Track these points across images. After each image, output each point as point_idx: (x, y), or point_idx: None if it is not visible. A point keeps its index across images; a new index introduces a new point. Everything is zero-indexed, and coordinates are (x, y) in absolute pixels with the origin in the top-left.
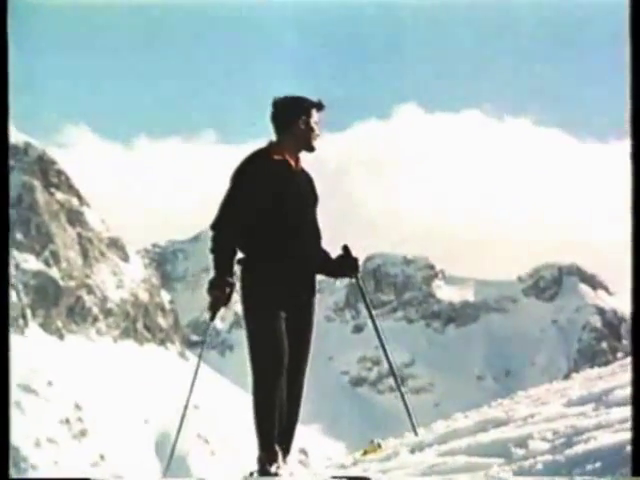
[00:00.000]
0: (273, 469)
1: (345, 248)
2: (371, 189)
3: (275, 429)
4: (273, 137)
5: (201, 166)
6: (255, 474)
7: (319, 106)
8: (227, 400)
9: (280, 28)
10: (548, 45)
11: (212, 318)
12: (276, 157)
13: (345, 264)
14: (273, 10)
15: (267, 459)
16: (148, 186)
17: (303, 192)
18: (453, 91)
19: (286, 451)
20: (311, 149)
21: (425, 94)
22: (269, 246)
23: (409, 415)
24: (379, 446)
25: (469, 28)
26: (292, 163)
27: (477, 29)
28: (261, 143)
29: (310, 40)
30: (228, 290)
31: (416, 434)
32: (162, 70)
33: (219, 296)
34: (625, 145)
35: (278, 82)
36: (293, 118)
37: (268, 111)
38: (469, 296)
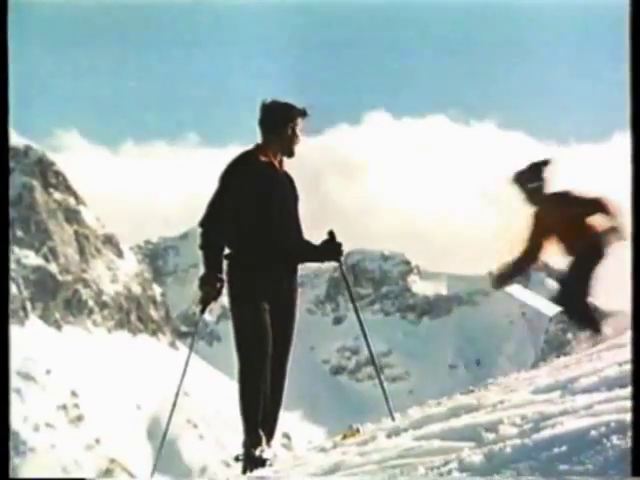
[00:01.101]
0: (257, 452)
1: (330, 233)
2: (348, 190)
3: (259, 415)
4: (254, 139)
5: (186, 167)
6: (240, 457)
7: (304, 114)
8: (215, 387)
9: (264, 30)
10: (506, 49)
11: (202, 311)
12: (262, 159)
13: (330, 248)
14: (254, 12)
15: (251, 443)
16: (139, 187)
17: (286, 192)
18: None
19: (270, 435)
20: (292, 155)
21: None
22: (253, 242)
23: (387, 401)
24: (357, 431)
25: (435, 34)
26: (277, 165)
27: (442, 34)
28: (241, 145)
29: (296, 42)
30: (218, 285)
31: (393, 419)
32: (146, 74)
33: (209, 291)
34: (584, 147)
35: (258, 85)
36: (282, 123)
37: (249, 114)
38: (442, 290)
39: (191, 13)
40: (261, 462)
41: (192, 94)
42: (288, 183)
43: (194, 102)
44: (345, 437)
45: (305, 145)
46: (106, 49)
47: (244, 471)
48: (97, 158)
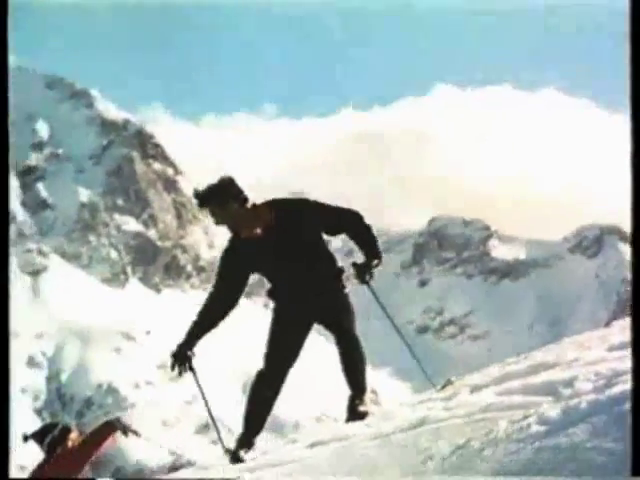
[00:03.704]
0: (242, 454)
1: (353, 264)
2: (429, 158)
3: (256, 420)
4: (328, 111)
5: (266, 137)
6: (231, 450)
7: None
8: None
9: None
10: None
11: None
12: (243, 235)
13: (358, 270)
14: None
15: (241, 445)
16: (225, 156)
17: (278, 250)
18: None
19: (363, 390)
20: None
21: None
22: (274, 291)
23: (422, 369)
24: (450, 382)
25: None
26: (257, 233)
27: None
28: (316, 116)
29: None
30: (187, 364)
31: (434, 386)
32: (226, 52)
33: (180, 368)
34: None
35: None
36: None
37: (324, 86)
38: (520, 254)
39: None
40: (361, 416)
41: (269, 67)
42: (278, 238)
43: (271, 74)
44: (444, 387)
45: (379, 117)
46: (185, 26)
47: (347, 421)
48: (182, 130)
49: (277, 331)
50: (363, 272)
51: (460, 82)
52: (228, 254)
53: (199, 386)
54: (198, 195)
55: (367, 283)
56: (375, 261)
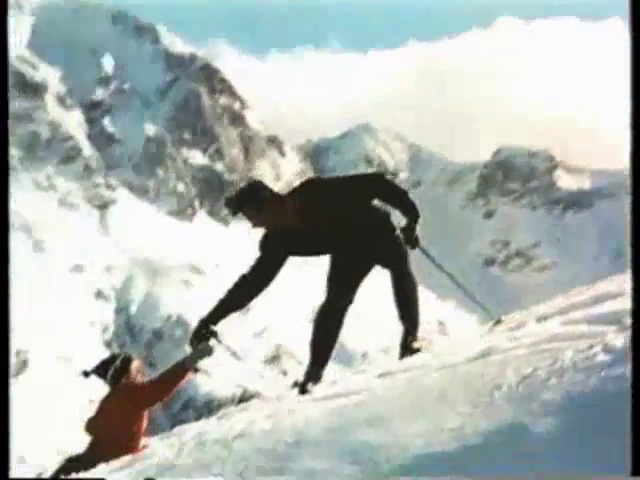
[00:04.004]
0: (309, 386)
1: (401, 230)
2: (494, 89)
3: (322, 352)
4: (394, 44)
5: (331, 71)
6: (299, 382)
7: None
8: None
9: None
10: None
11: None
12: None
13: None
14: None
15: (309, 378)
16: (290, 91)
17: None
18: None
19: (416, 327)
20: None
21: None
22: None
23: (479, 304)
24: (500, 321)
25: None
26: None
27: None
28: (381, 48)
29: None
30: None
31: (491, 319)
32: None
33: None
34: None
35: None
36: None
37: (388, 20)
38: (586, 184)
39: None
40: (414, 352)
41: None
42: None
43: (334, 7)
44: (496, 324)
45: (444, 50)
46: None
47: (401, 357)
48: (246, 65)
49: (335, 270)
50: (410, 236)
51: (524, 14)
52: (267, 239)
53: (235, 354)
54: (232, 202)
55: (418, 247)
56: (415, 223)
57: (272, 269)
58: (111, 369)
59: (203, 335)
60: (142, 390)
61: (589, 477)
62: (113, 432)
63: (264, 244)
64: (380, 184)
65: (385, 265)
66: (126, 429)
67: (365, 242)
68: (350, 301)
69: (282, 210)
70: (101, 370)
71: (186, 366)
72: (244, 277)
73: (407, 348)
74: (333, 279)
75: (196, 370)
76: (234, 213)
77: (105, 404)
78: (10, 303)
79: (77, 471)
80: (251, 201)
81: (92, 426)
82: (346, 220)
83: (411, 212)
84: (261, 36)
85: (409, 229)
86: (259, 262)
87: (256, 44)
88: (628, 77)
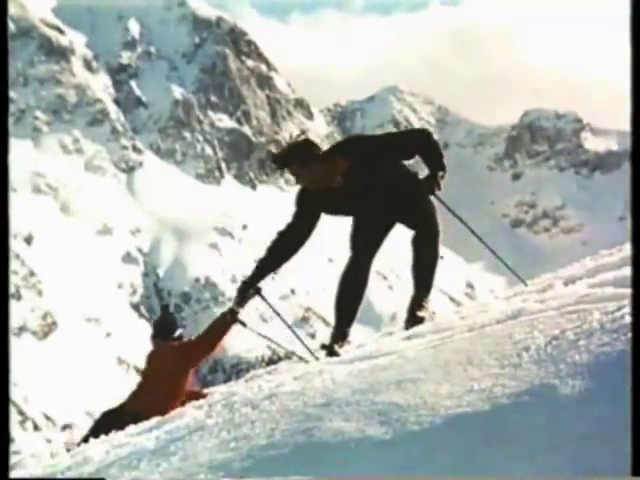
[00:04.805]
0: (336, 348)
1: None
2: (522, 53)
3: (347, 312)
4: (417, 7)
5: (356, 35)
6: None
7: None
8: (402, 241)
9: None
10: None
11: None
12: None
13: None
14: None
15: (336, 339)
16: (321, 54)
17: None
18: None
19: (427, 293)
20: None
21: None
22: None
23: (512, 270)
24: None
25: None
26: (337, 181)
27: None
28: (405, 11)
29: None
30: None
31: (525, 285)
32: None
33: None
34: None
35: None
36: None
37: None
38: (613, 145)
39: None
40: (419, 321)
41: None
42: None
43: None
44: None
45: (469, 12)
46: None
47: (406, 325)
48: (269, 28)
49: (360, 222)
50: (429, 184)
51: None
52: (303, 195)
53: (275, 311)
54: (279, 158)
55: (433, 193)
56: (440, 172)
57: (308, 226)
58: (165, 325)
59: (248, 293)
60: (191, 346)
61: (589, 477)
62: (160, 388)
63: (300, 200)
64: (424, 139)
65: (411, 226)
66: (173, 386)
67: (394, 200)
68: (372, 255)
69: (328, 167)
70: (161, 327)
71: (230, 317)
72: (281, 234)
73: (414, 316)
74: (357, 237)
75: (243, 324)
76: (280, 169)
77: (154, 360)
78: (10, 303)
79: (112, 427)
80: (299, 158)
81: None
82: (382, 178)
83: (440, 165)
84: None
85: (433, 177)
86: (296, 218)
87: (278, 7)
88: None
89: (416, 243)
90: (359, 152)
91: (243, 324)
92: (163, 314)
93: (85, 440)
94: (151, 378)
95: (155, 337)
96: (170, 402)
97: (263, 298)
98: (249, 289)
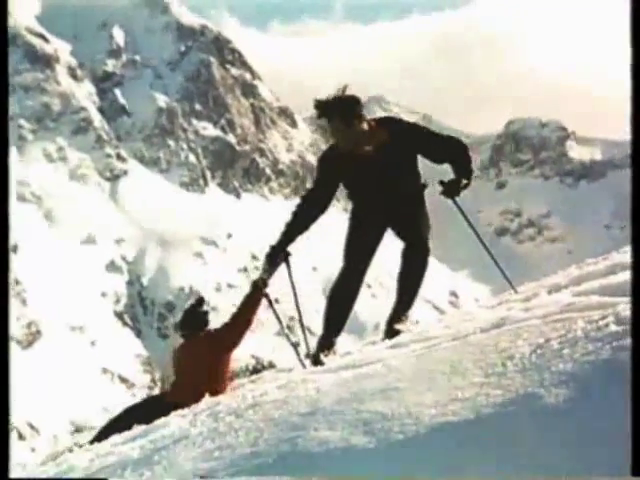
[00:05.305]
0: (322, 356)
1: (440, 182)
2: (506, 62)
3: (336, 320)
4: (397, 15)
5: (336, 42)
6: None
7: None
8: (388, 250)
9: None
10: None
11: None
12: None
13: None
14: None
15: (322, 348)
16: (307, 63)
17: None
18: None
19: (409, 307)
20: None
21: None
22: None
23: (504, 275)
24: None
25: None
26: (367, 150)
27: None
28: (386, 22)
29: None
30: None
31: (515, 291)
32: None
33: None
34: None
35: None
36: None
37: None
38: (597, 155)
39: None
40: (396, 333)
41: None
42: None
43: None
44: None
45: (452, 21)
46: None
47: (385, 336)
48: (249, 37)
49: (354, 230)
50: (452, 188)
51: None
52: (326, 161)
53: (292, 282)
54: (321, 106)
55: (453, 197)
56: (464, 180)
57: (328, 192)
58: (196, 318)
59: (276, 259)
60: (226, 330)
61: (589, 477)
62: (200, 379)
63: (322, 166)
64: (460, 152)
65: (402, 236)
66: (214, 374)
67: (397, 201)
68: (366, 264)
69: (367, 132)
70: (189, 320)
71: (262, 285)
72: (304, 199)
73: (391, 327)
74: (352, 243)
75: (268, 300)
76: (320, 118)
77: (187, 353)
78: (9, 303)
79: (144, 421)
80: (344, 113)
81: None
82: (403, 170)
83: (467, 175)
84: (262, 7)
85: (457, 182)
86: (316, 184)
87: (258, 16)
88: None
89: (406, 256)
90: (401, 132)
91: (269, 300)
92: (193, 308)
93: (98, 438)
94: (189, 371)
95: (184, 330)
96: (215, 388)
97: (288, 265)
98: (278, 254)
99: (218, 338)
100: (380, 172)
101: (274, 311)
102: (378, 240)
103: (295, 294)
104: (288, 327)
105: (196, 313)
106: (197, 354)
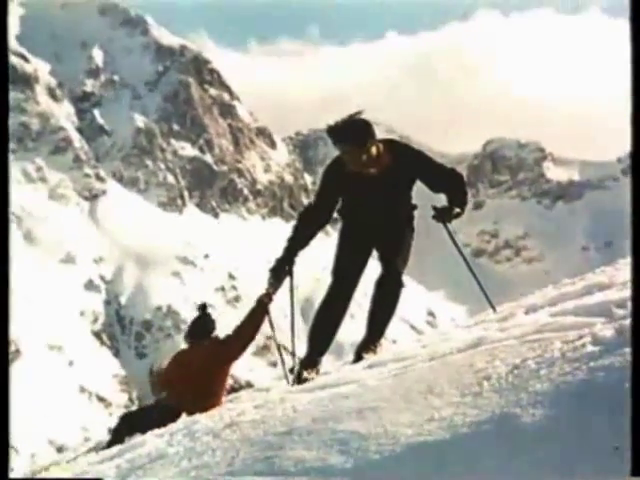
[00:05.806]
0: (305, 374)
1: (434, 207)
2: (482, 83)
3: (321, 340)
4: (376, 37)
5: (313, 64)
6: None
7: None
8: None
9: None
10: None
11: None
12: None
13: (438, 213)
14: None
15: (305, 366)
16: (285, 83)
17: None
18: None
19: (380, 337)
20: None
21: None
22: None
23: (484, 293)
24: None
25: None
26: (371, 172)
27: None
28: (364, 42)
29: None
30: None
31: (494, 310)
32: None
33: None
34: None
35: None
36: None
37: (373, 12)
38: (575, 176)
39: None
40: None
41: None
42: (377, 185)
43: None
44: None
45: (428, 41)
46: None
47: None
48: (227, 58)
49: (344, 249)
50: (444, 214)
51: (502, 7)
52: (330, 174)
53: (291, 291)
54: (335, 132)
55: (445, 222)
56: (457, 209)
57: (329, 206)
58: (202, 325)
59: (281, 273)
60: (231, 341)
61: (589, 477)
62: (199, 386)
63: (325, 181)
64: (458, 183)
65: (384, 260)
66: (214, 383)
67: (383, 226)
68: (354, 284)
69: (375, 154)
70: (196, 329)
71: (267, 300)
72: (304, 212)
73: (359, 356)
74: (340, 262)
75: (268, 317)
76: (336, 143)
77: (189, 358)
78: (10, 304)
79: (138, 428)
80: (359, 137)
81: (168, 380)
82: (399, 193)
83: (461, 204)
84: (239, 28)
85: (450, 209)
86: (317, 198)
87: (234, 36)
88: (615, 70)
89: (381, 286)
90: (406, 157)
91: (269, 317)
92: (201, 314)
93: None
94: (189, 376)
95: (190, 337)
96: (212, 400)
97: (292, 277)
98: (282, 268)
99: (222, 349)
100: (378, 194)
101: (272, 327)
102: (366, 260)
103: (292, 305)
104: (265, 346)
105: (204, 320)
106: (200, 361)
